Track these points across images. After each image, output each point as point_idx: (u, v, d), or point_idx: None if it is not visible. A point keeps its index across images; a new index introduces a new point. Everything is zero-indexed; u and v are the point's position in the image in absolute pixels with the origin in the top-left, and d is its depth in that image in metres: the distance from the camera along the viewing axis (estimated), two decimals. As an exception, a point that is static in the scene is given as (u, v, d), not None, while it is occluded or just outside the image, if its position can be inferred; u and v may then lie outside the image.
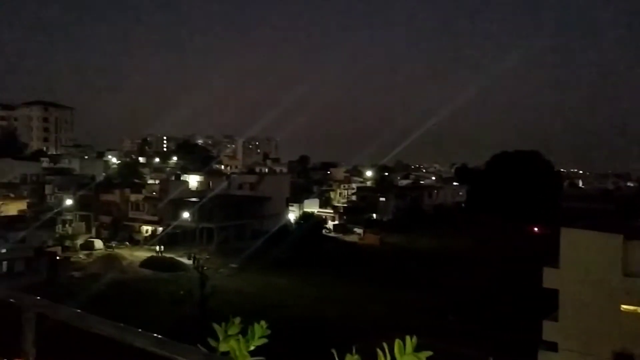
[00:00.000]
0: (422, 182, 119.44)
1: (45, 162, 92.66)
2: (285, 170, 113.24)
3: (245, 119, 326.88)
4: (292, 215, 70.77)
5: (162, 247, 54.70)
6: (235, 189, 72.59)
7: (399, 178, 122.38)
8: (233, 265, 49.18)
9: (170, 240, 57.87)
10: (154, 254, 53.24)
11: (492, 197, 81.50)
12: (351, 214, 77.63)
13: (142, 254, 53.45)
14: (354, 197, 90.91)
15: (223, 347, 1.98)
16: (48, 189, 71.77)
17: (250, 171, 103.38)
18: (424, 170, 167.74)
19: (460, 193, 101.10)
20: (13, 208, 61.44)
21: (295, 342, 26.20)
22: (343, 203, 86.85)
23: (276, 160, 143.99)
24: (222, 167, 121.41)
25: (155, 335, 1.92)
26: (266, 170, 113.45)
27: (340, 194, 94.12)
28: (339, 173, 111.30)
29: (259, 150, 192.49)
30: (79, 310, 2.10)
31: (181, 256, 53.01)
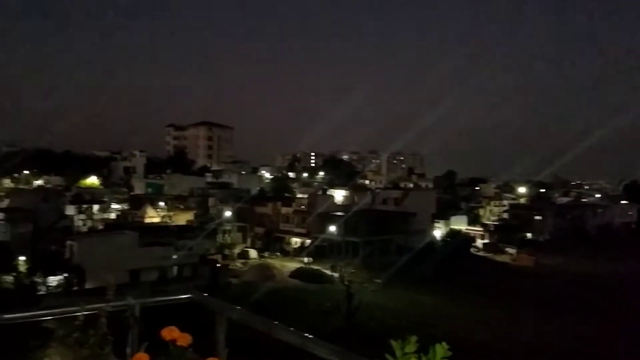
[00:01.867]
0: (584, 199, 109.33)
1: (209, 177, 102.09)
2: (430, 185, 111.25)
3: (390, 133, 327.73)
4: (438, 232, 69.09)
5: (310, 258, 56.88)
6: (379, 204, 72.95)
7: (557, 195, 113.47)
8: (377, 281, 49.30)
9: (318, 252, 59.87)
10: (302, 265, 55.55)
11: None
12: (503, 233, 73.50)
13: (291, 265, 56.08)
14: (505, 215, 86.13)
15: (402, 365, 2.01)
16: (211, 202, 78.74)
17: (395, 186, 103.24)
18: (586, 187, 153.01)
19: (630, 212, 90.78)
20: (182, 218, 68.67)
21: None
22: (493, 221, 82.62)
23: (421, 176, 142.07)
24: (367, 181, 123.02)
25: (337, 347, 2.02)
26: (411, 185, 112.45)
27: (490, 211, 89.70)
28: (489, 189, 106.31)
29: (403, 166, 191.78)
30: (267, 318, 2.28)
31: (327, 268, 54.59)
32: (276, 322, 2.21)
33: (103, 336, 2.27)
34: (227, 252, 60.11)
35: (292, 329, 2.13)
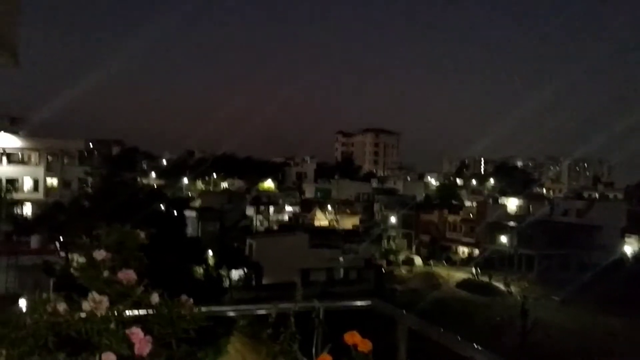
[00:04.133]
0: None
1: (374, 183, 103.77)
2: (620, 196, 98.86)
3: (573, 139, 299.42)
4: (630, 248, 61.15)
5: (478, 269, 54.44)
6: (558, 215, 67.07)
7: None
8: (555, 298, 45.27)
9: (486, 263, 57.01)
10: (470, 276, 53.34)
11: None
12: None
13: (457, 275, 54.22)
14: None
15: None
16: (376, 207, 79.88)
17: (578, 196, 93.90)
18: None
19: None
20: (348, 222, 70.79)
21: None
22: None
23: (609, 185, 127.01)
24: (544, 190, 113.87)
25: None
26: (596, 195, 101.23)
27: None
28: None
29: (587, 173, 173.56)
30: (451, 333, 2.21)
31: (497, 281, 51.68)
32: (462, 339, 2.12)
33: (292, 335, 2.40)
34: (391, 258, 60.35)
35: (479, 347, 2.02)
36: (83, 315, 1.84)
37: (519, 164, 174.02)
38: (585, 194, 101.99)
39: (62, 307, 1.80)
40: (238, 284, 42.92)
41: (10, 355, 1.62)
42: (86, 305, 1.80)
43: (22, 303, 21.63)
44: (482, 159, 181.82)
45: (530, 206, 73.75)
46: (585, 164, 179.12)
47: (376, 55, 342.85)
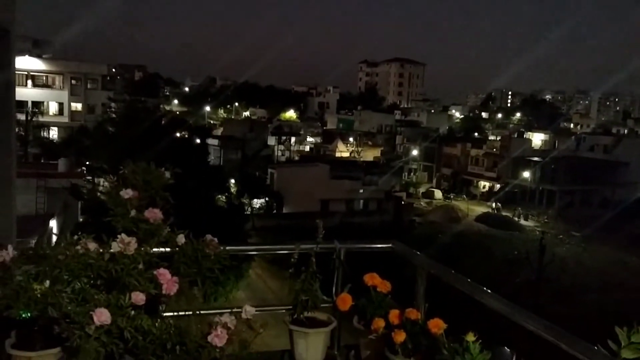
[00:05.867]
0: None
1: (397, 115, 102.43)
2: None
3: (604, 72, 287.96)
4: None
5: (498, 204, 54.49)
6: (585, 151, 65.87)
7: None
8: (575, 234, 45.35)
9: (507, 198, 56.95)
10: (489, 210, 53.52)
11: None
12: None
13: (478, 209, 54.40)
14: None
15: (626, 354, 1.80)
16: (398, 139, 79.37)
17: (606, 132, 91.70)
18: None
19: None
20: (369, 154, 70.71)
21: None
22: None
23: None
24: (572, 125, 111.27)
25: (549, 323, 1.89)
26: (625, 131, 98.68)
27: None
28: None
29: (617, 108, 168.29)
30: (465, 278, 2.24)
31: (517, 216, 51.79)
32: (482, 287, 2.14)
33: (313, 274, 2.47)
34: (412, 190, 60.62)
35: (497, 295, 2.05)
36: (112, 253, 1.90)
37: (548, 97, 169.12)
38: (614, 129, 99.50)
39: (92, 246, 1.86)
40: (259, 212, 43.82)
41: (47, 291, 1.70)
42: (115, 245, 1.85)
43: (53, 223, 22.43)
44: (510, 92, 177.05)
45: (556, 141, 72.34)
46: (616, 99, 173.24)
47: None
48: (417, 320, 2.23)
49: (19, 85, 48.67)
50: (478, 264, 32.99)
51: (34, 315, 1.73)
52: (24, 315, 1.74)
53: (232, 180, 43.48)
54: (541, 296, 24.47)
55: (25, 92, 49.70)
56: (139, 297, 1.71)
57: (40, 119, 51.02)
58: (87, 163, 34.84)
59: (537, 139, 77.20)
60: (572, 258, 38.41)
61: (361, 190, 50.22)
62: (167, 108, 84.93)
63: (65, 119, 54.74)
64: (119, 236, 1.88)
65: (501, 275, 29.23)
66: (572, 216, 50.44)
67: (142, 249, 1.92)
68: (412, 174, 68.43)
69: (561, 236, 43.90)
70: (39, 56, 55.23)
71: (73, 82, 56.28)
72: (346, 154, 70.30)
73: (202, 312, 1.98)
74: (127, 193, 2.17)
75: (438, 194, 60.72)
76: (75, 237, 1.90)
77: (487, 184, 63.11)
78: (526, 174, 58.18)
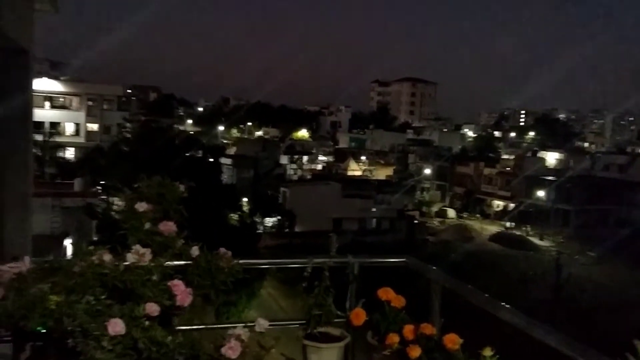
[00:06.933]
0: None
1: (410, 134, 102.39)
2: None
3: (618, 92, 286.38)
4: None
5: (512, 223, 53.93)
6: (599, 170, 65.22)
7: None
8: (591, 254, 44.67)
9: (521, 217, 56.37)
10: (503, 230, 52.99)
11: None
12: None
13: (491, 228, 53.91)
14: None
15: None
16: (410, 158, 79.18)
17: (620, 151, 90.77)
18: None
19: None
20: (382, 173, 70.61)
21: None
22: None
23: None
24: (586, 144, 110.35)
25: (567, 337, 1.86)
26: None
27: None
28: None
29: (632, 127, 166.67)
30: (486, 294, 2.21)
31: (531, 235, 51.22)
32: (498, 301, 2.11)
33: (326, 288, 2.45)
34: (424, 209, 60.25)
35: (514, 309, 2.01)
36: (127, 264, 1.91)
37: (561, 116, 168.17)
38: (629, 149, 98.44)
39: (107, 257, 1.87)
40: (271, 231, 43.79)
41: (62, 302, 1.70)
42: (130, 257, 1.86)
43: (68, 243, 22.61)
44: (523, 111, 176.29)
45: (571, 160, 71.71)
46: (631, 118, 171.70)
47: (417, 3, 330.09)
48: (432, 336, 2.20)
49: (37, 106, 49.58)
50: (491, 283, 32.55)
51: (49, 327, 1.73)
52: (38, 329, 1.74)
53: (245, 199, 43.60)
54: (557, 316, 24.01)
55: (43, 113, 50.61)
56: (153, 308, 1.71)
57: (57, 139, 51.80)
58: (102, 182, 35.19)
59: (551, 158, 76.57)
60: (588, 278, 37.75)
61: (373, 209, 50.04)
62: (181, 128, 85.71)
63: (81, 139, 55.52)
64: (133, 247, 1.89)
65: (516, 295, 28.78)
66: (587, 236, 49.72)
67: (157, 261, 1.93)
68: (424, 192, 68.07)
69: (577, 256, 43.23)
70: (56, 78, 56.36)
71: (89, 103, 57.24)
72: (358, 173, 70.24)
73: (215, 326, 1.98)
74: (141, 206, 2.19)
75: (451, 212, 60.28)
76: (91, 247, 1.91)
77: (501, 203, 62.56)
78: (540, 193, 57.63)
